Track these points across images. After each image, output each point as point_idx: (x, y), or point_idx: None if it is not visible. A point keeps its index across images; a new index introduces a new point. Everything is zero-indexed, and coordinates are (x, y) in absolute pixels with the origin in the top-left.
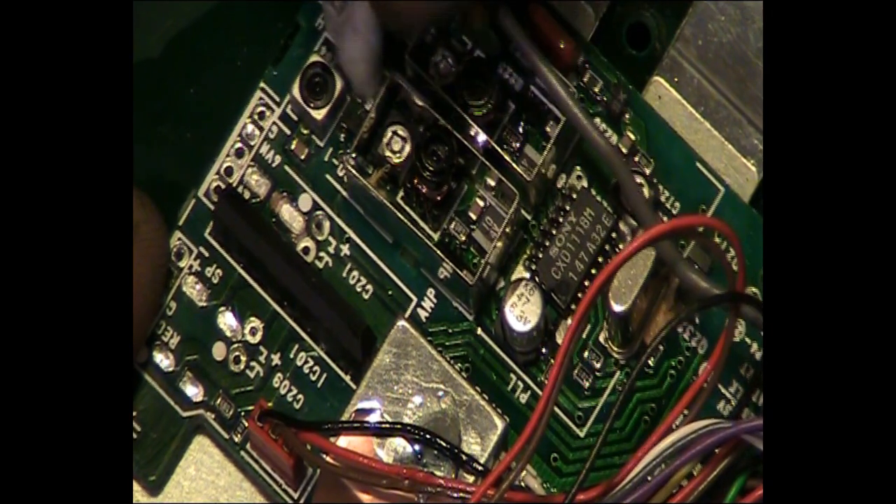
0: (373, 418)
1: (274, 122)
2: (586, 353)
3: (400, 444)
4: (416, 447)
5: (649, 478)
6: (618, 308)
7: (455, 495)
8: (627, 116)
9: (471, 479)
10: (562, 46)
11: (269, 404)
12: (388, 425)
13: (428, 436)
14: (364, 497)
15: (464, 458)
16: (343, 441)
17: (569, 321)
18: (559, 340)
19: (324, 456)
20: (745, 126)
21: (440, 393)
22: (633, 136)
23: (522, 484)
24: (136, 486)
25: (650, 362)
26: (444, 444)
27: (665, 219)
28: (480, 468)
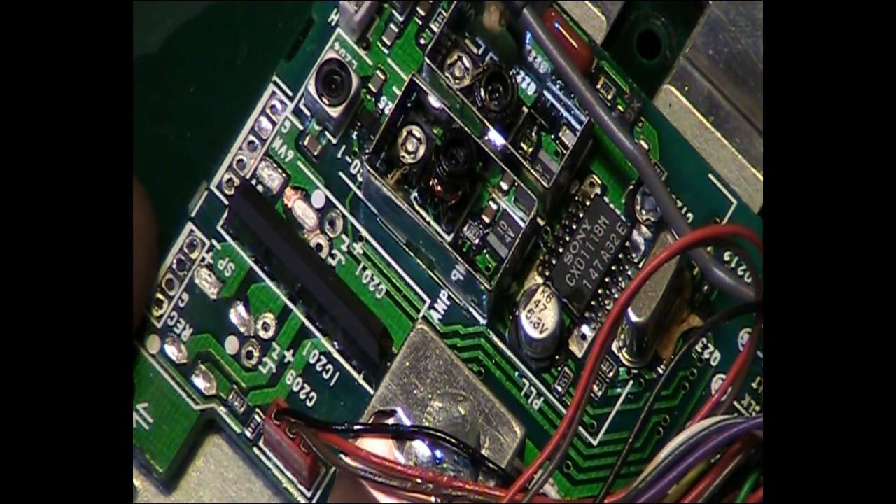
0: (393, 421)
1: (287, 117)
2: None
3: (419, 448)
4: (437, 451)
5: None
6: (636, 319)
7: (479, 499)
8: (640, 125)
9: (490, 484)
10: (575, 46)
11: (284, 401)
12: (410, 428)
13: (451, 440)
14: (383, 499)
15: (488, 464)
16: (362, 443)
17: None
18: (573, 348)
19: (343, 457)
20: (755, 136)
21: (460, 398)
22: (646, 145)
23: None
24: (145, 479)
25: (660, 370)
26: (467, 448)
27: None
28: (501, 473)
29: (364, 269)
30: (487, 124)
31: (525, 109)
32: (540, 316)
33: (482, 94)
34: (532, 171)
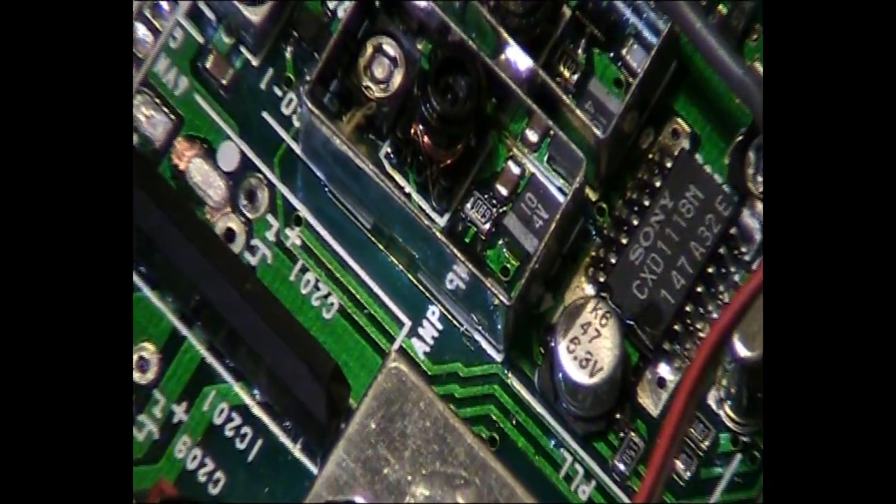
0: None
1: (177, 23)
2: None
3: None
4: None
5: None
6: (747, 354)
7: None
8: (754, 38)
9: None
10: None
11: (173, 486)
12: None
13: None
14: None
15: None
16: None
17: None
18: (643, 400)
19: None
20: None
21: (458, 481)
22: (762, 70)
23: None
24: None
25: None
26: None
27: None
28: None
29: (304, 270)
30: (505, 37)
31: (567, 12)
32: (590, 348)
33: None
34: (578, 112)
